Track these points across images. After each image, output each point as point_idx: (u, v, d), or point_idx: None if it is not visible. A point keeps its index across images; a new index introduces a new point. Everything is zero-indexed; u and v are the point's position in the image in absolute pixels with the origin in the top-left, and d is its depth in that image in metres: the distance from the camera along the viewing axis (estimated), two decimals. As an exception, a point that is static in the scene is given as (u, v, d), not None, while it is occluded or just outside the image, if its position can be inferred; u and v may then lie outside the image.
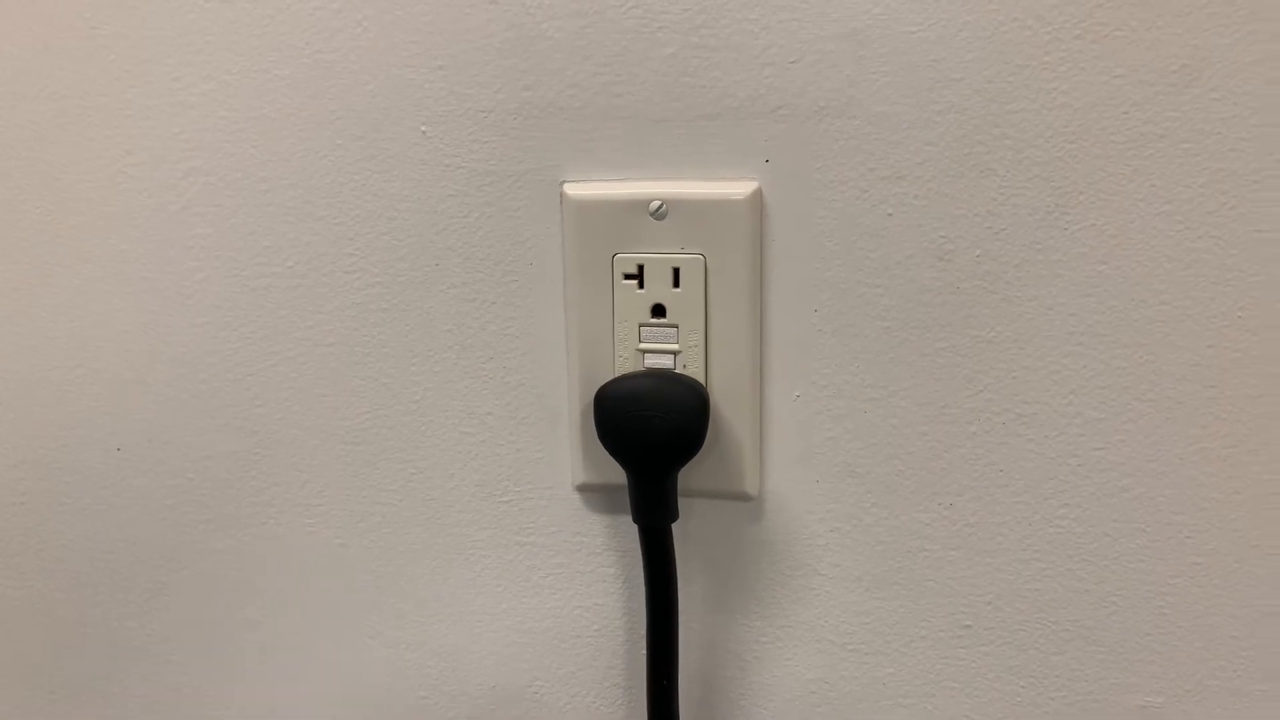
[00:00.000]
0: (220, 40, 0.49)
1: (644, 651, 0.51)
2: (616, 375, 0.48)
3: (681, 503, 0.48)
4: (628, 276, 0.48)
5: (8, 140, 0.52)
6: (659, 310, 0.48)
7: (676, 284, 0.47)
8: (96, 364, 0.55)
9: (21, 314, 0.55)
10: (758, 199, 0.46)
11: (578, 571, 0.53)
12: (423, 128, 0.48)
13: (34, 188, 0.53)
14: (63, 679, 0.61)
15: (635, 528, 0.49)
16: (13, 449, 0.57)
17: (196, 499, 0.56)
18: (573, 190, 0.48)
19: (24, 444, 0.57)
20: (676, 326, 0.48)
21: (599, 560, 0.52)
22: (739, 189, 0.46)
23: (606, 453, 0.47)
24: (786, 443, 0.49)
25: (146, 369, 0.54)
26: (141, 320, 0.53)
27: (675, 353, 0.48)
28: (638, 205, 0.47)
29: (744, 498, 0.49)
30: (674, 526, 0.48)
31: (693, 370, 0.48)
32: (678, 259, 0.47)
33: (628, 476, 0.47)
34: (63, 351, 0.55)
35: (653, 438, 0.46)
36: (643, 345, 0.48)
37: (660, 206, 0.46)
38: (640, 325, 0.48)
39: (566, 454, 0.51)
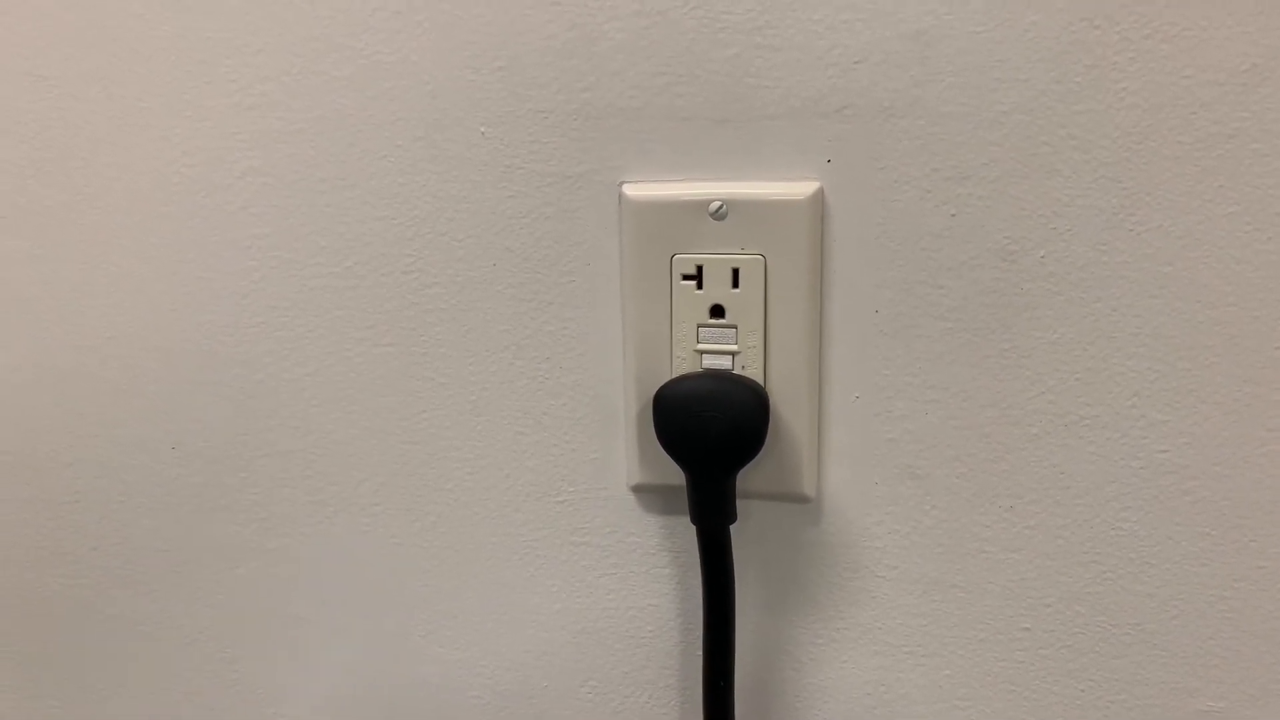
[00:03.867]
0: (279, 41, 0.49)
1: (699, 653, 0.51)
2: (674, 376, 0.48)
3: (739, 504, 0.48)
4: (686, 277, 0.47)
5: (66, 141, 0.53)
6: (718, 311, 0.47)
7: (736, 285, 0.47)
8: (152, 363, 0.55)
9: (78, 313, 0.55)
10: (819, 199, 0.46)
11: (632, 572, 0.53)
12: (482, 129, 0.48)
13: (92, 188, 0.53)
14: (114, 674, 0.61)
15: (691, 528, 0.49)
16: (68, 448, 0.58)
17: (251, 498, 0.56)
18: (631, 191, 0.47)
19: (79, 443, 0.57)
20: (735, 327, 0.47)
21: (654, 561, 0.52)
22: (801, 189, 0.46)
23: (662, 453, 0.47)
24: (845, 444, 0.48)
25: (203, 368, 0.54)
26: (198, 320, 0.54)
27: (734, 353, 0.48)
28: (697, 206, 0.47)
29: (802, 499, 0.49)
30: (731, 527, 0.48)
31: (751, 371, 0.48)
32: (737, 259, 0.47)
33: (686, 478, 0.47)
34: (119, 350, 0.55)
35: (713, 439, 0.46)
36: (701, 346, 0.48)
37: (720, 207, 0.46)
38: (699, 326, 0.48)
39: (622, 454, 0.51)
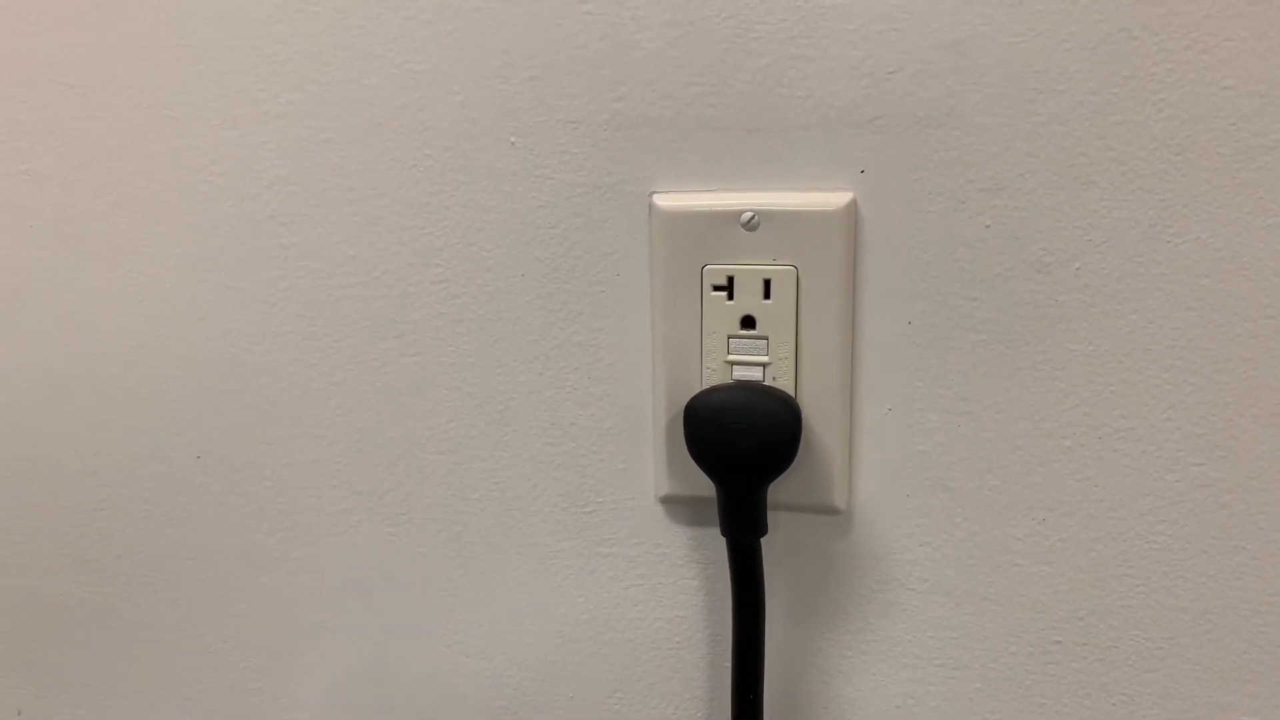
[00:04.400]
0: (307, 50, 0.49)
1: (727, 664, 0.51)
2: (704, 387, 0.48)
3: (769, 515, 0.48)
4: (717, 288, 0.47)
5: (93, 150, 0.53)
6: (749, 322, 0.47)
7: (767, 295, 0.47)
8: (177, 371, 0.55)
9: (103, 320, 0.55)
10: (852, 210, 0.46)
11: (660, 583, 0.52)
12: (512, 139, 0.48)
13: (119, 196, 0.53)
14: (136, 680, 0.61)
15: (719, 540, 0.49)
16: (92, 455, 0.57)
17: (276, 507, 0.56)
18: (662, 201, 0.47)
19: (104, 450, 0.57)
20: (766, 338, 0.47)
21: (682, 572, 0.52)
22: (834, 200, 0.45)
23: (690, 464, 0.47)
24: (877, 456, 0.48)
25: (228, 377, 0.54)
26: (224, 328, 0.54)
27: (765, 365, 0.47)
28: (728, 216, 0.46)
29: (832, 511, 0.49)
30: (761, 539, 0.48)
31: (782, 383, 0.47)
32: (769, 270, 0.46)
33: (717, 490, 0.47)
34: (144, 358, 0.55)
35: (744, 452, 0.45)
36: (731, 357, 0.48)
37: (752, 217, 0.46)
38: (729, 337, 0.47)
39: (650, 465, 0.51)
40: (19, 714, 0.64)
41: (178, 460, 0.56)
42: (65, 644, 0.61)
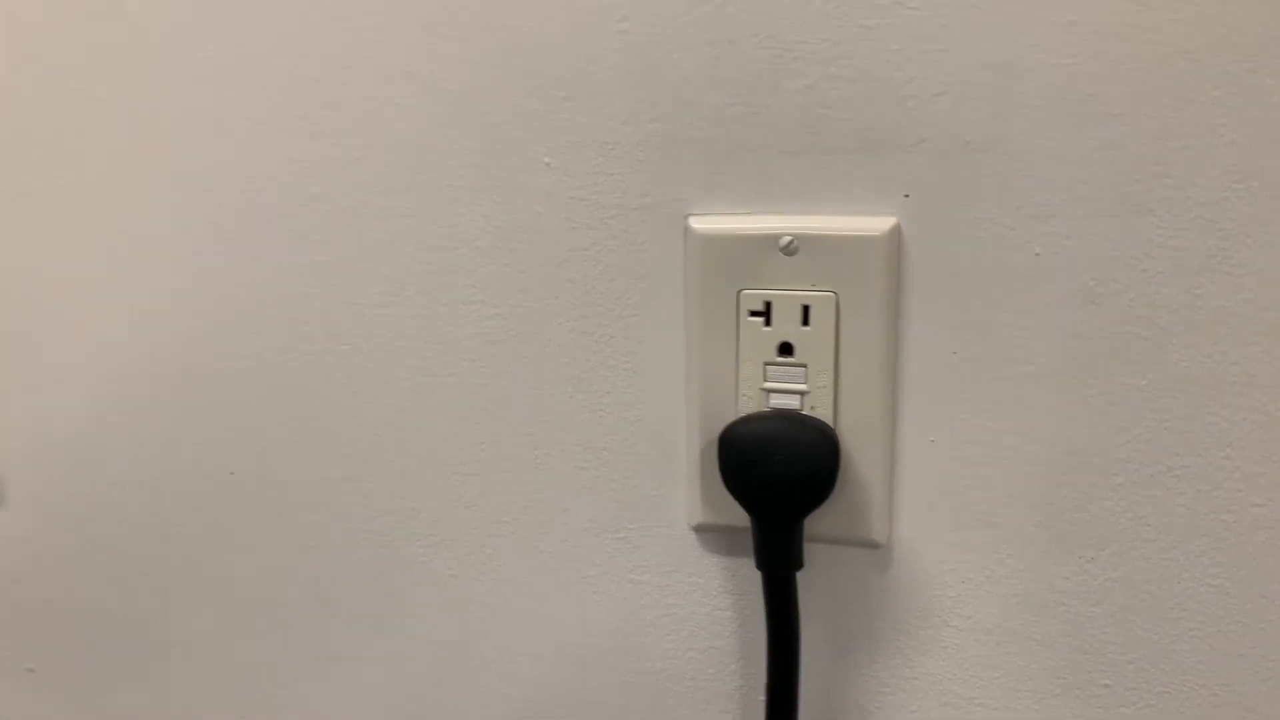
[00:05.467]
0: (342, 68, 0.49)
1: (760, 697, 0.49)
2: (740, 415, 0.46)
3: (805, 548, 0.46)
4: (754, 313, 0.46)
5: (127, 167, 0.53)
6: (786, 349, 0.46)
7: (806, 322, 0.45)
8: (209, 388, 0.55)
9: (137, 338, 0.55)
10: (896, 235, 0.44)
11: (692, 613, 0.51)
12: (546, 159, 0.47)
13: (153, 214, 0.53)
14: (164, 695, 0.61)
15: (753, 570, 0.48)
16: (125, 470, 0.58)
17: (307, 525, 0.55)
18: (698, 224, 0.46)
19: (137, 466, 0.57)
20: (805, 366, 0.46)
21: (715, 603, 0.51)
22: (876, 225, 0.44)
23: (725, 492, 0.46)
24: (918, 489, 0.47)
25: (260, 395, 0.54)
26: (257, 346, 0.53)
27: (803, 393, 0.46)
28: (766, 240, 0.45)
29: (871, 545, 0.47)
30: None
31: (820, 412, 0.46)
32: (808, 296, 0.45)
33: (752, 522, 0.46)
34: (177, 376, 0.55)
35: (781, 484, 0.44)
36: (768, 384, 0.46)
37: (791, 242, 0.45)
38: (766, 364, 0.46)
39: (683, 493, 0.50)
40: (53, 724, 0.64)
41: (210, 476, 0.56)
42: (95, 655, 0.62)
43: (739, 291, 0.46)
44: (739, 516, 0.47)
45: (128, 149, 0.53)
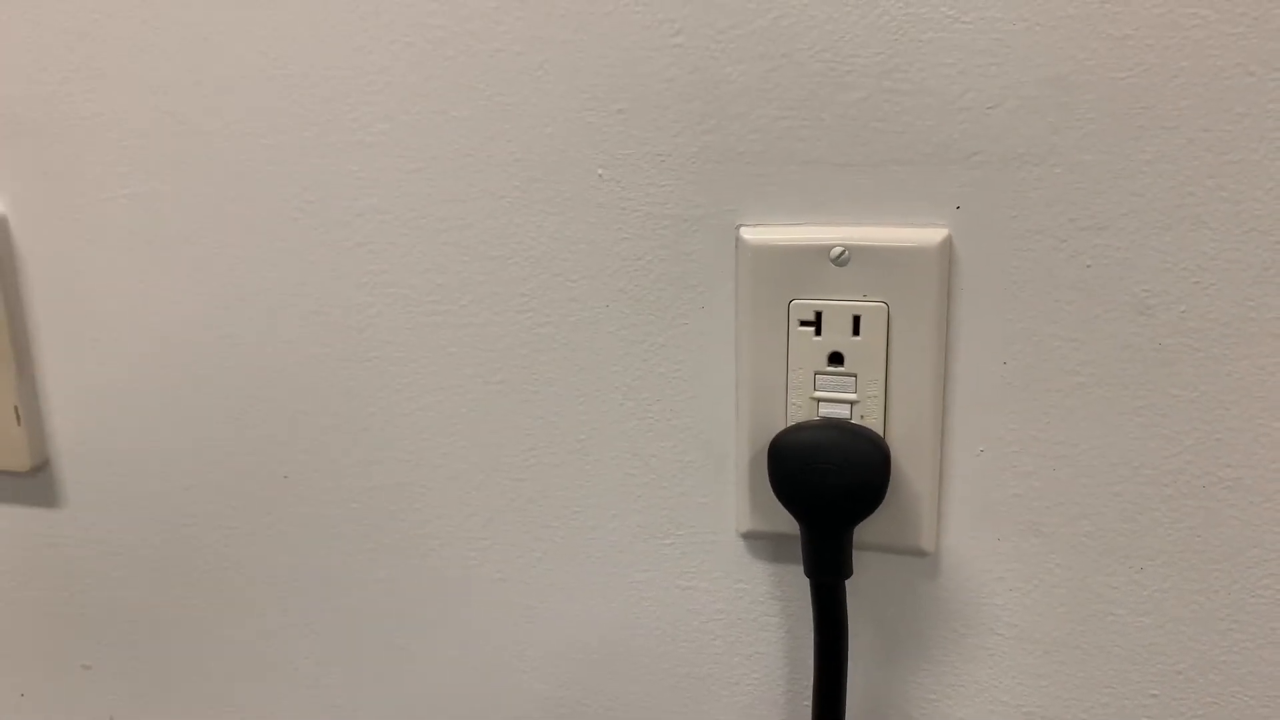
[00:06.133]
0: (400, 81, 0.50)
1: (806, 703, 0.50)
2: (789, 423, 0.47)
3: (854, 555, 0.47)
4: (804, 323, 0.46)
5: (188, 175, 0.54)
6: (836, 358, 0.46)
7: (856, 332, 0.46)
8: (268, 393, 0.56)
9: (199, 344, 0.56)
10: (947, 247, 0.44)
11: (739, 618, 0.52)
12: (600, 171, 0.48)
13: (212, 221, 0.54)
14: (218, 694, 0.62)
15: (800, 576, 0.48)
16: (188, 472, 0.59)
17: (360, 528, 0.57)
18: (749, 234, 0.47)
19: (200, 468, 0.58)
20: (855, 376, 0.46)
21: (762, 609, 0.51)
22: (928, 236, 0.44)
23: (773, 499, 0.46)
24: (967, 499, 0.47)
25: (317, 400, 0.55)
26: (314, 353, 0.54)
27: (853, 403, 0.46)
28: (818, 251, 0.46)
29: (919, 553, 0.48)
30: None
31: (870, 421, 0.46)
32: (859, 306, 0.46)
33: (801, 530, 0.46)
34: (238, 380, 0.56)
35: (831, 492, 0.44)
36: (818, 394, 0.47)
37: (842, 252, 0.45)
38: (816, 373, 0.47)
39: (732, 500, 0.50)
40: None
41: (266, 480, 0.58)
42: (151, 655, 0.63)
43: (790, 301, 0.46)
44: (787, 523, 0.47)
45: (187, 157, 0.54)
